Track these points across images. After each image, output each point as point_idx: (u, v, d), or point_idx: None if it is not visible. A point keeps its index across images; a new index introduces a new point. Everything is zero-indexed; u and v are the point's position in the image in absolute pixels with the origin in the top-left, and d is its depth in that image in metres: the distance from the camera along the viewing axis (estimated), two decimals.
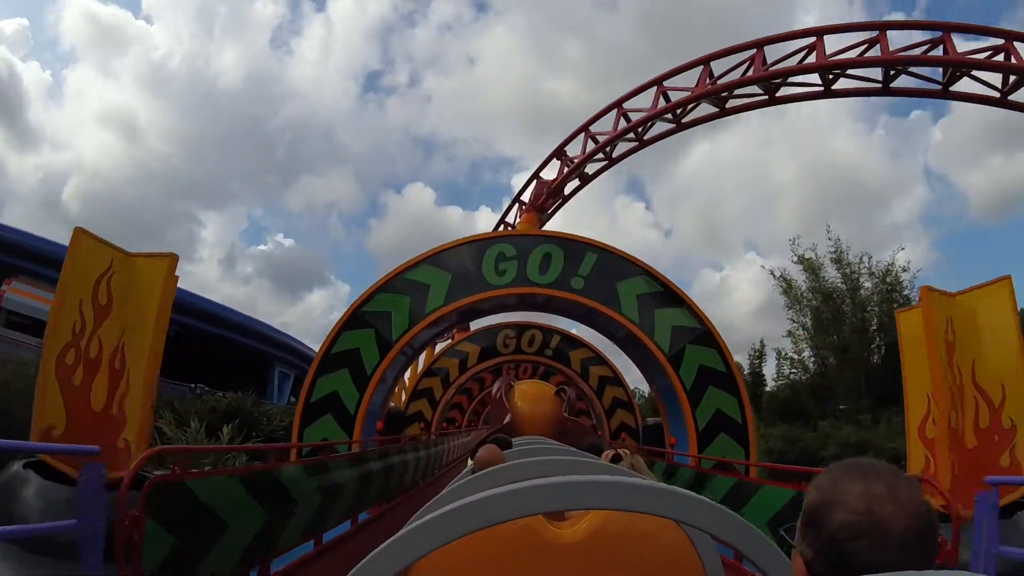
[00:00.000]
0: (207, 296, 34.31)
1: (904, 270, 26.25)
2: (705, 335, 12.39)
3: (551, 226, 18.89)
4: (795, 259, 27.35)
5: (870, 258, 26.78)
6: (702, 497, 1.20)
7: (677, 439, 13.17)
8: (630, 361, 13.92)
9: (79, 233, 5.56)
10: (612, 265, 12.60)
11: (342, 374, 12.31)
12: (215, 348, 32.03)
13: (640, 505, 1.19)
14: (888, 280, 26.32)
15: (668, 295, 12.56)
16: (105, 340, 5.80)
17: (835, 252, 26.67)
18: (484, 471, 1.90)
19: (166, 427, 14.52)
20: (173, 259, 6.89)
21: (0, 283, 27.79)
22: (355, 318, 12.55)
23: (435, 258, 12.66)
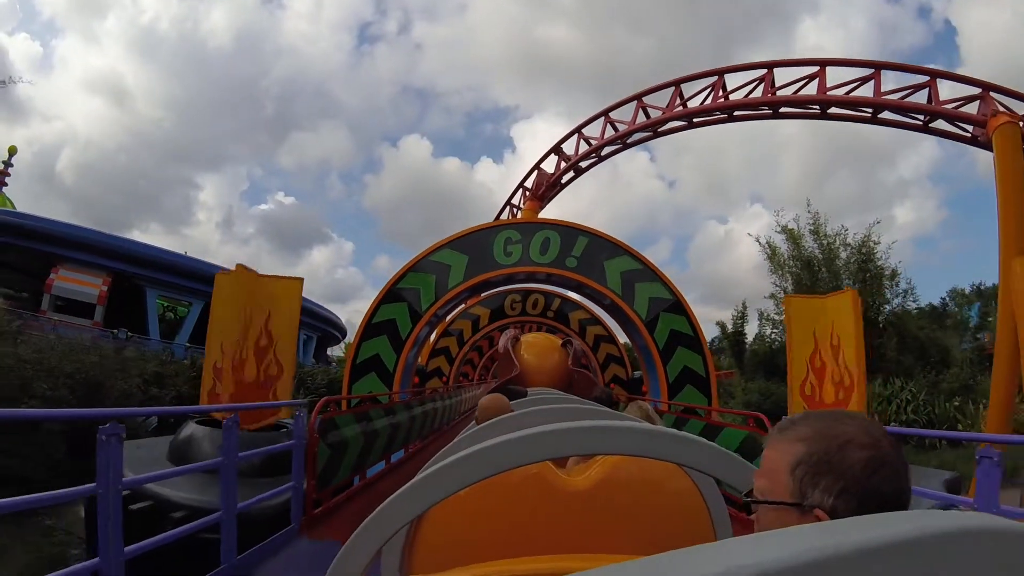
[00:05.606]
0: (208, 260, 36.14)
1: (876, 242, 27.43)
2: (676, 304, 15.05)
3: (550, 209, 22.58)
4: (778, 229, 29.39)
5: (846, 230, 28.39)
6: (709, 442, 1.24)
7: (651, 389, 16.08)
8: None
9: (239, 269, 8.31)
10: (600, 247, 15.15)
11: (382, 340, 15.10)
12: None
13: (651, 450, 1.18)
14: (863, 251, 27.54)
15: (646, 272, 15.18)
16: (251, 338, 8.56)
17: (813, 225, 28.60)
18: (491, 420, 1.89)
19: None
20: (300, 282, 9.53)
21: (48, 272, 30.55)
22: (390, 293, 15.25)
23: (455, 243, 15.28)
